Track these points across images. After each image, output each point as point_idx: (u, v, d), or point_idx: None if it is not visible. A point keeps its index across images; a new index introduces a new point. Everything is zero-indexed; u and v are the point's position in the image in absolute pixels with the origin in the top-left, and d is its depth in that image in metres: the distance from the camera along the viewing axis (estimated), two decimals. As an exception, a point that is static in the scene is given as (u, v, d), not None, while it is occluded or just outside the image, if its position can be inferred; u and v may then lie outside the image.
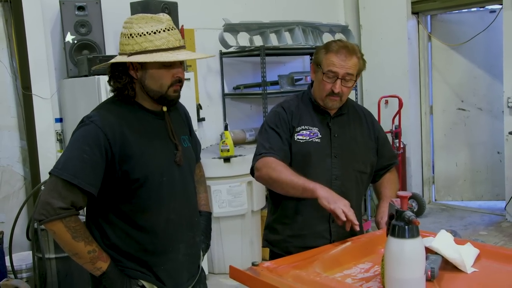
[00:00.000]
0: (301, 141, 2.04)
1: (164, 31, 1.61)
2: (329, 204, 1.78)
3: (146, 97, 1.69)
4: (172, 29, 1.63)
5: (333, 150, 2.04)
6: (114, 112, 1.66)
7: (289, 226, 2.06)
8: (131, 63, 1.64)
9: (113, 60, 1.65)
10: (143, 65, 1.63)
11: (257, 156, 2.02)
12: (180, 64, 1.68)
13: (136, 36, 1.60)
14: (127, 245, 1.68)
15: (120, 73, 1.66)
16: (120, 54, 1.66)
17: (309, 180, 1.88)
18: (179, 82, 1.69)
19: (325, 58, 1.99)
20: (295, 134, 2.05)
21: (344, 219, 1.74)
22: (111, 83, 1.70)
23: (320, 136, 2.05)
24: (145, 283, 1.70)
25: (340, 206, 1.76)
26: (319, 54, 2.02)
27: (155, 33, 1.60)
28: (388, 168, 2.23)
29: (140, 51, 1.60)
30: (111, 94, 1.74)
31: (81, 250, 1.58)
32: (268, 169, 1.95)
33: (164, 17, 1.65)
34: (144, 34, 1.60)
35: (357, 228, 1.77)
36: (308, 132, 2.05)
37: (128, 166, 1.62)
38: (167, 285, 1.72)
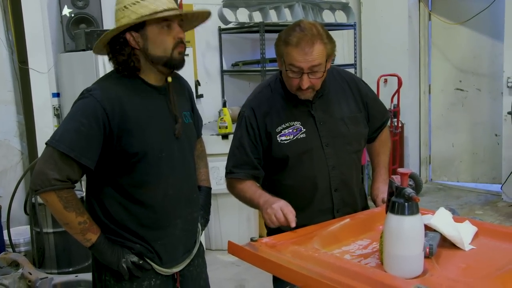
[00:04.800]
0: (285, 142, 1.88)
1: None
2: (264, 214, 1.77)
3: (151, 68, 1.67)
4: None
5: (322, 139, 1.90)
6: (115, 87, 1.64)
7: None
8: (131, 34, 1.61)
9: (113, 32, 1.62)
10: (142, 34, 1.61)
11: (225, 172, 1.96)
12: (179, 26, 1.66)
13: (130, 6, 1.59)
14: (124, 219, 1.68)
15: (121, 46, 1.63)
16: None
17: (260, 195, 1.85)
18: (182, 43, 1.67)
19: (285, 51, 1.77)
20: (277, 136, 1.88)
21: (272, 225, 1.73)
22: (114, 59, 1.67)
23: (305, 129, 1.88)
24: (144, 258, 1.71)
25: (271, 213, 1.73)
26: (279, 46, 1.80)
27: None
28: (382, 127, 2.11)
29: (136, 18, 1.59)
30: (111, 68, 1.72)
31: (71, 220, 1.60)
32: (233, 191, 1.98)
33: None
34: (138, 1, 1.59)
35: (292, 225, 1.69)
36: (290, 130, 1.88)
37: (126, 141, 1.61)
38: (163, 259, 1.74)
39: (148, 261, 1.71)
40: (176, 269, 1.79)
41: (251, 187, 1.90)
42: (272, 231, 1.93)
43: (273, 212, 1.73)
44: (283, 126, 1.89)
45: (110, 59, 1.69)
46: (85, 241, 1.63)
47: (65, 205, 1.58)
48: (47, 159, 1.58)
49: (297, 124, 1.89)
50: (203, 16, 1.77)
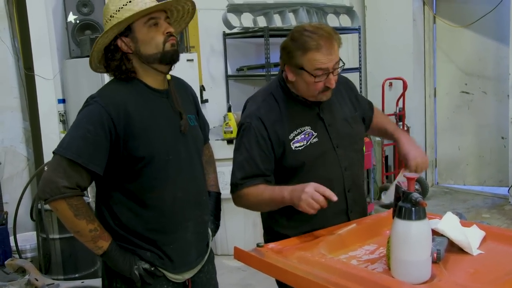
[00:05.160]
0: (299, 148, 1.85)
1: None
2: (298, 202, 1.66)
3: (148, 70, 1.68)
4: None
5: (333, 141, 1.90)
6: (118, 92, 1.65)
7: (306, 223, 1.83)
8: (122, 40, 1.63)
9: (98, 39, 1.64)
10: (133, 37, 1.63)
11: (232, 186, 1.87)
12: (166, 21, 1.67)
13: (115, 13, 1.61)
14: (135, 224, 1.67)
15: (113, 52, 1.65)
16: None
17: (280, 189, 1.75)
18: (172, 36, 1.67)
19: (306, 59, 1.75)
20: (291, 144, 1.84)
21: (312, 211, 1.63)
22: (109, 67, 1.68)
23: (316, 133, 1.87)
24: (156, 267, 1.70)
25: (307, 198, 1.63)
26: (295, 57, 1.77)
27: (130, 2, 1.61)
28: (373, 110, 2.14)
29: (120, 22, 1.61)
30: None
31: (82, 228, 1.59)
32: (244, 201, 1.88)
33: None
34: (122, 7, 1.61)
35: (334, 199, 1.63)
36: (303, 136, 1.86)
37: (133, 145, 1.61)
38: (175, 263, 1.73)
39: (160, 269, 1.70)
40: (188, 275, 1.77)
41: (267, 188, 1.81)
42: (271, 238, 1.91)
43: (309, 196, 1.63)
44: (295, 132, 1.85)
45: (107, 71, 1.71)
46: (96, 248, 1.62)
47: (75, 212, 1.57)
48: (55, 167, 1.58)
49: (308, 129, 1.87)
50: (189, 10, 1.76)
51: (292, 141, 1.84)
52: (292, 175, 1.86)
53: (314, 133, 1.87)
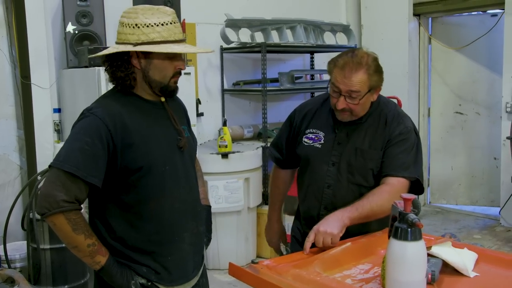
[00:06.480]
0: (305, 144, 2.05)
1: (170, 23, 1.62)
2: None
3: (146, 87, 1.69)
4: (176, 22, 1.65)
5: (332, 158, 1.98)
6: (115, 103, 1.65)
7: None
8: (136, 53, 1.62)
9: (119, 49, 1.62)
10: (147, 56, 1.63)
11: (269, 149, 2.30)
12: (182, 56, 1.70)
13: (143, 27, 1.59)
14: (132, 237, 1.66)
15: (122, 62, 1.64)
16: (119, 43, 1.64)
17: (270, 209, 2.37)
18: (179, 74, 1.71)
19: (333, 71, 1.91)
20: (304, 136, 2.06)
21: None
22: (110, 73, 1.67)
23: (323, 142, 2.00)
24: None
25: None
26: (330, 66, 1.93)
27: (162, 24, 1.61)
28: (385, 175, 1.90)
29: (147, 41, 1.59)
30: (111, 85, 1.73)
31: (80, 243, 1.57)
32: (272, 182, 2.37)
33: (169, 9, 1.66)
34: (152, 25, 1.60)
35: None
36: (313, 136, 2.04)
37: (130, 156, 1.61)
38: (174, 276, 1.72)
39: (156, 284, 1.69)
40: None
41: (278, 187, 2.30)
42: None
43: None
44: (311, 130, 2.05)
45: (106, 70, 1.69)
46: (94, 264, 1.60)
47: (73, 227, 1.55)
48: (53, 180, 1.55)
49: (321, 134, 2.03)
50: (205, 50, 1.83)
51: (305, 135, 2.06)
52: (300, 164, 2.13)
53: (322, 140, 2.01)
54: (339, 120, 1.96)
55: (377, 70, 1.88)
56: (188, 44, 1.71)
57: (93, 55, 1.78)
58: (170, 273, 1.71)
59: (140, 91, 1.70)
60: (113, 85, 1.71)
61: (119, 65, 1.64)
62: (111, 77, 1.68)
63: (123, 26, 1.63)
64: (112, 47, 1.65)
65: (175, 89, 1.73)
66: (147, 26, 1.59)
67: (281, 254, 2.25)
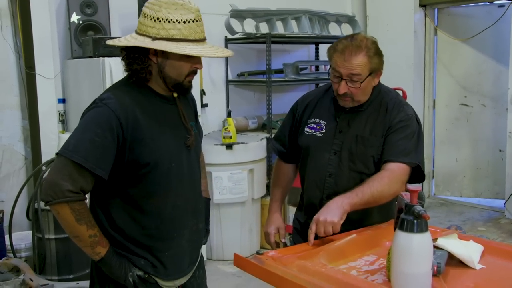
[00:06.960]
0: (307, 133, 2.04)
1: (193, 21, 1.58)
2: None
3: (160, 82, 1.67)
4: (199, 21, 1.61)
5: (333, 146, 1.97)
6: (128, 95, 1.63)
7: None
8: (155, 49, 1.59)
9: (136, 43, 1.59)
10: (165, 52, 1.59)
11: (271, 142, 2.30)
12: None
13: (164, 22, 1.56)
14: (132, 229, 1.67)
15: (139, 55, 1.61)
16: (139, 33, 1.61)
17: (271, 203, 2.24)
18: (195, 73, 1.69)
19: (332, 56, 1.91)
20: (305, 126, 2.06)
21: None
22: (128, 65, 1.65)
23: (324, 130, 2.00)
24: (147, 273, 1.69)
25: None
26: (329, 51, 1.93)
27: (184, 22, 1.57)
28: (385, 161, 1.89)
29: (166, 37, 1.56)
30: (117, 76, 1.71)
31: (82, 233, 1.57)
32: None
33: (194, 6, 1.61)
34: (173, 22, 1.56)
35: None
36: (315, 126, 2.03)
37: (138, 151, 1.60)
38: (169, 270, 1.72)
39: (152, 276, 1.69)
40: (180, 282, 1.78)
41: (278, 180, 2.24)
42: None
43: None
44: (313, 120, 2.05)
45: (122, 59, 1.66)
46: (94, 254, 1.61)
47: (77, 217, 1.55)
48: (60, 169, 1.55)
49: (322, 123, 2.02)
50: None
51: (307, 125, 2.06)
52: (302, 155, 2.10)
53: (323, 129, 2.01)
54: (341, 106, 1.96)
55: (377, 53, 1.88)
56: (208, 44, 1.65)
57: (111, 43, 1.68)
58: (166, 268, 1.71)
59: (154, 84, 1.68)
60: (127, 75, 1.68)
61: (136, 57, 1.62)
62: (127, 68, 1.66)
63: (144, 17, 1.60)
64: (131, 37, 1.63)
65: (189, 87, 1.72)
66: (169, 22, 1.56)
67: (277, 247, 2.22)
